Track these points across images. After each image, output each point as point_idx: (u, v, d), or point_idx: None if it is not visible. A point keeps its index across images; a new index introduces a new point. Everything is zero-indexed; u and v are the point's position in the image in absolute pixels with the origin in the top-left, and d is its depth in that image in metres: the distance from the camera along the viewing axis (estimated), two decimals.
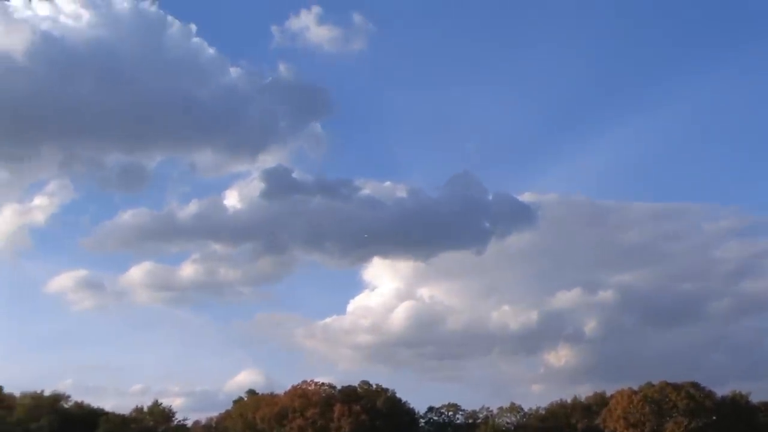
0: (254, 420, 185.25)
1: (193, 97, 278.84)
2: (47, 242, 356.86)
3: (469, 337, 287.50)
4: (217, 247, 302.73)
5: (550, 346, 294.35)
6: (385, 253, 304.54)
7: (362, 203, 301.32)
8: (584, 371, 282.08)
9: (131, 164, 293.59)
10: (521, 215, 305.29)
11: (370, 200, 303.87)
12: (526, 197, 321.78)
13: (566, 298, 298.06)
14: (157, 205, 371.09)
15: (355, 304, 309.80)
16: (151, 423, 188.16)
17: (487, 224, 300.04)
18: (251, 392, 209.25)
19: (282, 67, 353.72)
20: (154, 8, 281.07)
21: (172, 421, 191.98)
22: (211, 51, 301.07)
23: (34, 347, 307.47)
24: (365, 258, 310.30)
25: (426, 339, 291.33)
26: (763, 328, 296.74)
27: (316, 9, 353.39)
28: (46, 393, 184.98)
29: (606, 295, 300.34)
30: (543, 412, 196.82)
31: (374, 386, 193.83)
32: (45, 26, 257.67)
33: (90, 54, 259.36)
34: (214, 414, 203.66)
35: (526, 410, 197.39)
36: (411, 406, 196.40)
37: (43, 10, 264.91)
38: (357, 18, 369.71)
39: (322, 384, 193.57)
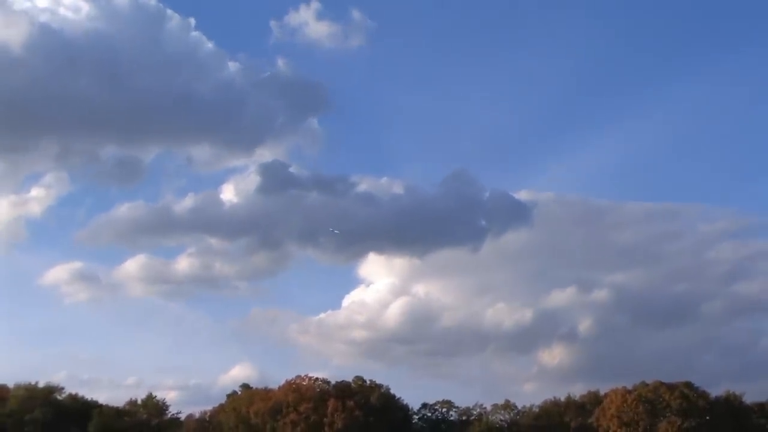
0: (248, 414, 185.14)
1: (190, 91, 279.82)
2: (42, 234, 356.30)
3: (464, 334, 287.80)
4: (213, 242, 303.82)
5: (544, 345, 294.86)
6: (380, 249, 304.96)
7: (358, 199, 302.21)
8: (578, 370, 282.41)
9: (127, 157, 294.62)
10: (517, 213, 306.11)
11: (367, 196, 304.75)
12: (522, 195, 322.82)
13: (561, 296, 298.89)
14: (153, 199, 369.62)
15: (350, 299, 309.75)
16: (145, 416, 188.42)
17: (483, 222, 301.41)
18: (245, 386, 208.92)
19: (280, 63, 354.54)
20: (153, 2, 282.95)
21: (166, 415, 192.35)
22: (210, 45, 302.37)
23: (28, 339, 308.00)
24: (361, 254, 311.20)
25: (420, 336, 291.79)
26: (757, 330, 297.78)
27: (315, 5, 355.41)
28: (40, 385, 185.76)
29: (600, 294, 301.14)
30: (537, 410, 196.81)
31: (368, 382, 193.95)
32: (44, 18, 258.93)
33: (88, 47, 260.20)
34: (208, 408, 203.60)
35: (519, 408, 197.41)
36: (405, 402, 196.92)
37: (42, 2, 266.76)
38: (356, 14, 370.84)
39: (316, 379, 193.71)
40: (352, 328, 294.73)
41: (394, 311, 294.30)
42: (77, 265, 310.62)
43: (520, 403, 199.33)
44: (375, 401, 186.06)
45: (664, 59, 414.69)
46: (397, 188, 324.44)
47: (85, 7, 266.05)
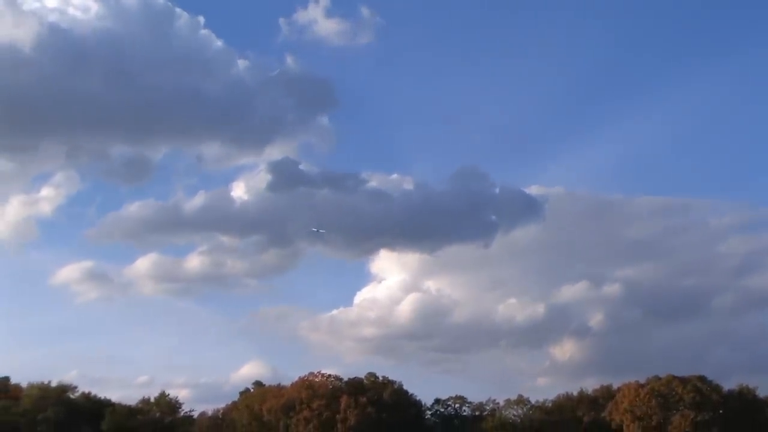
0: (261, 412, 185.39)
1: (200, 89, 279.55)
2: (53, 233, 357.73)
3: (475, 329, 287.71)
4: (224, 239, 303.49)
5: (556, 340, 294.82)
6: (391, 246, 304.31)
7: (369, 196, 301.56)
8: (590, 364, 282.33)
9: (137, 156, 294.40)
10: (528, 209, 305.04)
11: (377, 193, 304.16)
12: (532, 191, 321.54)
13: (572, 291, 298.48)
14: (163, 197, 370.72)
15: (362, 296, 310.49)
16: (158, 414, 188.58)
17: (494, 217, 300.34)
18: (258, 384, 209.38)
19: (289, 60, 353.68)
20: (162, 0, 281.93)
21: (179, 413, 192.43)
22: (219, 43, 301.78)
23: (40, 338, 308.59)
24: (372, 250, 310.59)
25: (432, 331, 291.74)
26: None
27: (323, 2, 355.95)
28: (53, 384, 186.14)
29: (611, 288, 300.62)
30: (549, 405, 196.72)
31: (381, 378, 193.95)
32: (53, 18, 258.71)
33: (97, 46, 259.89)
34: (221, 406, 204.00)
35: (532, 403, 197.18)
36: (417, 398, 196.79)
37: (51, 1, 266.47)
38: (365, 11, 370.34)
39: (329, 376, 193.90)
40: (364, 324, 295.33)
41: (406, 307, 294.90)
42: (88, 264, 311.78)
43: (533, 398, 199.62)
44: (387, 397, 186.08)
45: (673, 54, 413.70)
46: (408, 184, 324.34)
47: (94, 7, 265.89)
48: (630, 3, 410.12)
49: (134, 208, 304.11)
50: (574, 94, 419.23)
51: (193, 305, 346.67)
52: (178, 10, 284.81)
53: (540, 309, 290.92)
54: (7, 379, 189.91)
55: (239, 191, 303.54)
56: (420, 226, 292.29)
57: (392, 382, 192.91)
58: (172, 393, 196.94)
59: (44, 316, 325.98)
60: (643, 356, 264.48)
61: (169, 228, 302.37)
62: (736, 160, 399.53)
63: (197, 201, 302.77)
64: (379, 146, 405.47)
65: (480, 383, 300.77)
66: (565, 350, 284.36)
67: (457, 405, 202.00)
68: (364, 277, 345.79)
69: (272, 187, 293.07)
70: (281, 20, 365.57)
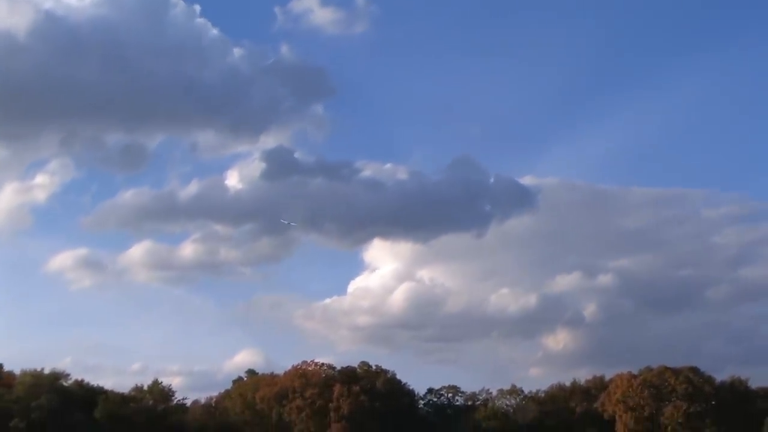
0: (254, 400, 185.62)
1: (195, 77, 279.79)
2: (47, 221, 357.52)
3: (468, 319, 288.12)
4: (218, 227, 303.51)
5: (549, 330, 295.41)
6: (385, 235, 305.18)
7: (363, 185, 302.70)
8: (583, 355, 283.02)
9: (132, 144, 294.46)
10: (522, 198, 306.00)
11: (371, 182, 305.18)
12: (526, 181, 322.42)
13: (565, 281, 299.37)
14: (157, 185, 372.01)
15: (355, 285, 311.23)
16: (151, 402, 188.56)
17: (488, 207, 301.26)
18: (251, 372, 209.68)
19: (285, 49, 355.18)
20: None
21: (172, 401, 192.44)
22: (215, 31, 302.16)
23: (33, 326, 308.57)
24: (365, 239, 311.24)
25: (425, 321, 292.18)
26: (762, 315, 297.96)
27: None
28: (46, 371, 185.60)
29: (605, 279, 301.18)
30: (542, 395, 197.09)
31: (374, 367, 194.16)
32: (48, 5, 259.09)
33: (93, 33, 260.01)
34: (213, 394, 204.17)
35: (525, 393, 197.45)
36: (410, 387, 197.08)
37: None
38: (360, 0, 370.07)
39: (322, 365, 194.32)
40: (357, 313, 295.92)
41: (399, 296, 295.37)
42: (82, 251, 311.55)
43: (526, 388, 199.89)
44: (381, 387, 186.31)
45: (669, 45, 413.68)
46: (402, 174, 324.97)
47: None
48: None
49: (129, 196, 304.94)
50: (570, 84, 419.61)
51: (186, 293, 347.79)
52: None
53: (533, 299, 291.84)
54: (0, 366, 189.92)
55: (233, 180, 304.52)
56: (414, 215, 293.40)
57: (385, 371, 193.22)
58: (166, 381, 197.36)
59: (38, 303, 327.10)
60: (637, 347, 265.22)
61: (164, 216, 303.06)
62: (731, 152, 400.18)
63: (191, 189, 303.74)
64: (373, 135, 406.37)
65: (473, 373, 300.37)
66: (559, 340, 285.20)
67: (450, 395, 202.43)
68: (358, 266, 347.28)
69: (266, 175, 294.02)
70: (277, 9, 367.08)
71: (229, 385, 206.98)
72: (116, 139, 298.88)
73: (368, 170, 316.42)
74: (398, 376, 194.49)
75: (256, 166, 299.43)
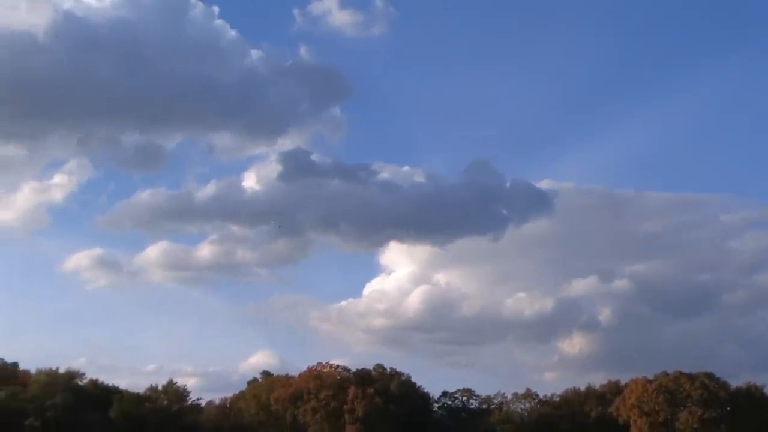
0: (268, 401, 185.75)
1: (213, 79, 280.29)
2: (64, 221, 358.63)
3: (484, 323, 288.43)
4: (235, 229, 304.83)
5: (565, 334, 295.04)
6: (402, 238, 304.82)
7: (380, 187, 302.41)
8: (598, 359, 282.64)
9: (150, 144, 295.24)
10: (538, 203, 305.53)
11: (388, 184, 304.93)
12: (543, 185, 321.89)
13: (581, 286, 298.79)
14: (174, 186, 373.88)
15: (371, 287, 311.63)
16: (165, 402, 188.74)
17: (505, 211, 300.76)
18: (266, 373, 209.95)
19: (303, 51, 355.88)
20: None
21: (186, 401, 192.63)
22: (233, 33, 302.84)
23: (49, 325, 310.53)
24: (382, 242, 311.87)
25: (441, 324, 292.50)
26: None
27: None
28: (61, 370, 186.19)
29: (621, 284, 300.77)
30: (557, 400, 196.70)
31: (389, 370, 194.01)
32: (67, 5, 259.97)
33: (112, 34, 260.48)
34: (228, 395, 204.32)
35: (540, 397, 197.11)
36: (425, 390, 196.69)
37: None
38: (378, 3, 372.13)
39: (337, 366, 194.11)
40: (373, 315, 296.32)
41: (415, 299, 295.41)
42: (98, 251, 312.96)
43: (541, 392, 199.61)
44: (395, 389, 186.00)
45: (686, 49, 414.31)
46: (419, 177, 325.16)
47: None
48: None
49: (145, 197, 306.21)
50: (587, 89, 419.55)
51: (202, 294, 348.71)
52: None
53: (549, 303, 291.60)
54: (15, 365, 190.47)
55: (251, 181, 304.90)
56: (430, 218, 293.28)
57: (400, 374, 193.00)
58: (181, 381, 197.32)
59: (54, 303, 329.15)
60: (652, 352, 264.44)
61: (180, 216, 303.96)
62: (749, 157, 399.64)
63: (209, 190, 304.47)
64: (390, 138, 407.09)
65: (488, 377, 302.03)
66: (574, 345, 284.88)
67: (464, 398, 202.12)
68: (374, 269, 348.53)
69: (283, 177, 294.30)
70: (295, 11, 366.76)
71: (243, 386, 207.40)
72: (134, 139, 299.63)
73: (385, 173, 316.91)
74: (413, 379, 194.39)
75: (273, 168, 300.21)
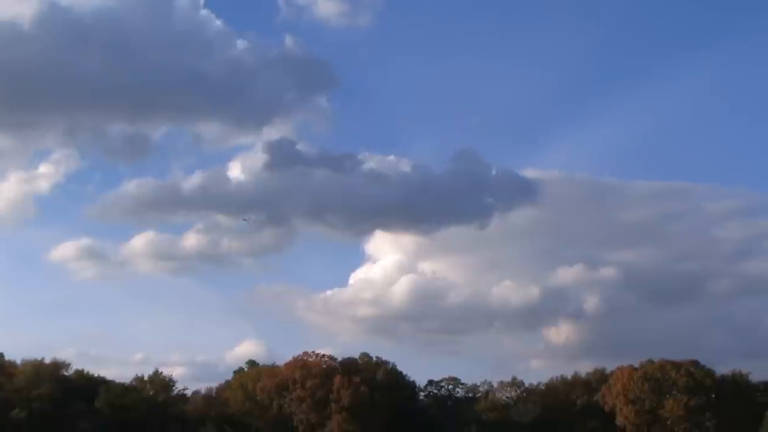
0: (254, 391, 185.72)
1: (199, 69, 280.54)
2: (51, 211, 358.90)
3: (470, 311, 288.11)
4: (221, 218, 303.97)
5: (551, 322, 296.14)
6: (387, 227, 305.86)
7: (366, 177, 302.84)
8: (584, 347, 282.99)
9: (136, 134, 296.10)
10: (524, 191, 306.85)
11: (374, 174, 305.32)
12: (528, 173, 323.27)
13: (568, 274, 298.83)
14: (161, 176, 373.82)
15: (357, 276, 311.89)
16: (152, 392, 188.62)
17: (490, 200, 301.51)
18: (252, 363, 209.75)
19: (288, 41, 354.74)
20: None
21: (173, 391, 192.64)
22: (219, 23, 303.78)
23: (35, 315, 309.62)
24: (368, 231, 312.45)
25: (427, 313, 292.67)
26: (763, 308, 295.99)
27: None
28: (47, 361, 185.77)
29: (607, 272, 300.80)
30: (543, 388, 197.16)
31: (374, 359, 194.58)
32: None
33: (98, 24, 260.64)
34: (215, 384, 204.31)
35: (526, 385, 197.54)
36: (411, 379, 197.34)
37: None
38: None
39: (323, 356, 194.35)
40: (359, 304, 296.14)
41: (401, 288, 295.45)
42: (85, 241, 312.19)
43: (527, 380, 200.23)
44: (381, 378, 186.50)
45: (672, 39, 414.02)
46: (405, 166, 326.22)
47: None
48: None
49: (132, 187, 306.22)
50: (572, 77, 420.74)
51: (189, 284, 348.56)
52: None
53: (535, 291, 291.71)
54: (1, 356, 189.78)
55: (236, 171, 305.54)
56: (416, 207, 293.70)
57: (386, 363, 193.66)
58: (168, 371, 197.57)
59: (41, 293, 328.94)
60: (638, 340, 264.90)
61: (167, 206, 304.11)
62: (734, 145, 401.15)
63: (195, 180, 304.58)
64: (376, 127, 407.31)
65: (474, 365, 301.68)
66: (560, 333, 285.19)
67: (450, 386, 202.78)
68: (360, 258, 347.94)
69: (269, 166, 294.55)
70: (281, 1, 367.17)
71: (230, 376, 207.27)
72: (120, 129, 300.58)
73: (371, 162, 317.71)
74: (399, 368, 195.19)
75: (259, 158, 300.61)
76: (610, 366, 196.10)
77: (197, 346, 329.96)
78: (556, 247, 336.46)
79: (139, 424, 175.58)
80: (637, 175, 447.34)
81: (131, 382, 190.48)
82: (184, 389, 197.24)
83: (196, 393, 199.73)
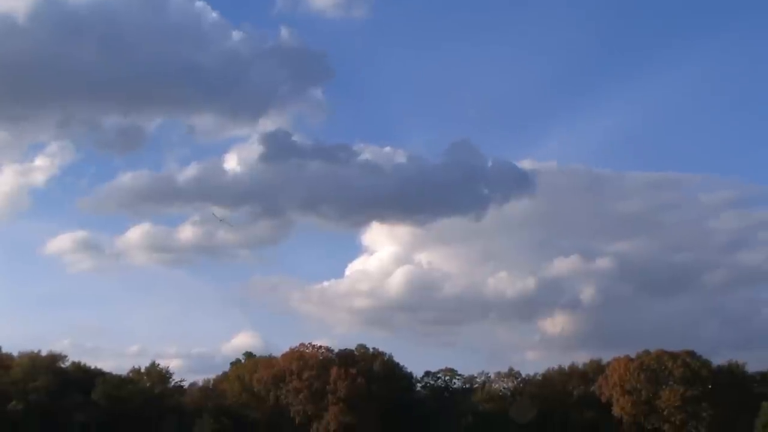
0: (251, 382, 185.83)
1: (194, 61, 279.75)
2: (46, 203, 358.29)
3: (466, 302, 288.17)
4: (216, 210, 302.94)
5: (547, 313, 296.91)
6: (383, 218, 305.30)
7: (361, 168, 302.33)
8: (580, 338, 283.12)
9: (131, 126, 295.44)
10: (520, 182, 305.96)
11: (370, 165, 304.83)
12: (524, 164, 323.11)
13: (563, 265, 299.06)
14: (156, 168, 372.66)
15: (353, 268, 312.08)
16: (149, 384, 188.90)
17: (486, 191, 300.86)
18: (248, 355, 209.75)
19: (284, 32, 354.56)
20: None
21: (169, 383, 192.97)
22: (214, 15, 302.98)
23: (31, 308, 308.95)
24: (364, 222, 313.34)
25: (423, 304, 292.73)
26: (759, 299, 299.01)
27: None
28: (44, 353, 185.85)
29: (603, 263, 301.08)
30: (539, 379, 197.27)
31: (371, 350, 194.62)
32: None
33: (92, 16, 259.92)
34: (211, 376, 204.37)
35: (523, 376, 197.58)
36: (408, 370, 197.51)
37: None
38: None
39: (320, 347, 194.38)
40: (355, 296, 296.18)
41: (397, 280, 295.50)
42: (80, 233, 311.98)
43: (523, 371, 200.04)
44: (378, 369, 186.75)
45: (666, 29, 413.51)
46: (400, 157, 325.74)
47: None
48: None
49: (127, 179, 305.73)
50: (568, 68, 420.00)
51: (184, 275, 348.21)
52: None
53: (531, 282, 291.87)
54: None
55: (232, 162, 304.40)
56: (412, 198, 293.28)
57: (383, 354, 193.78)
58: (164, 363, 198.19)
59: (36, 285, 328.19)
60: (634, 331, 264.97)
61: (162, 198, 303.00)
62: (729, 136, 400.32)
63: (190, 172, 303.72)
64: (372, 119, 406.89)
65: (470, 356, 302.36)
66: (556, 324, 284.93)
67: (447, 377, 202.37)
68: (356, 249, 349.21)
69: (265, 158, 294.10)
70: None
71: (227, 368, 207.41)
72: (115, 121, 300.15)
73: (366, 153, 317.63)
74: (396, 359, 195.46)
75: (254, 149, 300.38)
76: (606, 357, 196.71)
77: (193, 338, 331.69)
78: (552, 238, 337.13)
79: (136, 416, 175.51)
80: (633, 165, 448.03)
81: (128, 374, 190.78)
82: (180, 381, 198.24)
83: (193, 385, 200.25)
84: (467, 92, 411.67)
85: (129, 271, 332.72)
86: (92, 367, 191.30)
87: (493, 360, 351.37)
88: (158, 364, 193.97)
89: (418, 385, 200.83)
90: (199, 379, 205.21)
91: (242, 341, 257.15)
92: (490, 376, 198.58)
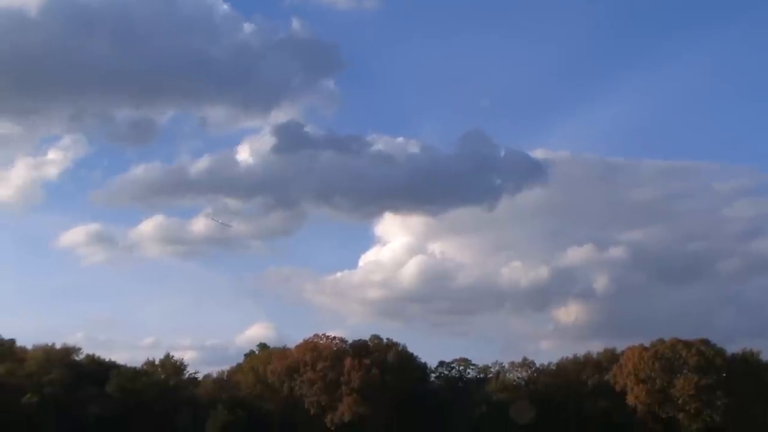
0: (265, 374, 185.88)
1: (206, 53, 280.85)
2: (59, 196, 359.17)
3: (480, 292, 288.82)
4: (229, 202, 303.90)
5: (561, 303, 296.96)
6: (396, 209, 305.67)
7: (374, 159, 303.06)
8: (594, 328, 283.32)
9: (143, 119, 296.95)
10: (532, 172, 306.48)
11: (382, 156, 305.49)
12: (537, 154, 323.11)
13: (577, 254, 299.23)
14: (168, 160, 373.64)
15: (366, 258, 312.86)
16: (163, 376, 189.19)
17: (499, 180, 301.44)
18: (262, 346, 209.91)
19: (296, 24, 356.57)
20: None
21: (184, 375, 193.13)
22: (225, 7, 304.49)
23: (45, 301, 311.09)
24: (376, 213, 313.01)
25: (436, 294, 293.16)
26: None
27: None
28: (58, 346, 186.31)
29: (617, 252, 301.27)
30: (554, 368, 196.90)
31: (385, 340, 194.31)
32: None
33: (103, 9, 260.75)
34: (226, 368, 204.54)
35: (537, 366, 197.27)
36: (422, 360, 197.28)
37: None
38: None
39: (333, 338, 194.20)
40: (368, 286, 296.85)
41: (410, 270, 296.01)
42: (94, 226, 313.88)
43: (538, 361, 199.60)
44: (392, 360, 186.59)
45: (680, 17, 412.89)
46: (413, 147, 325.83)
47: None
48: None
49: (140, 171, 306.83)
50: (581, 57, 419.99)
51: (198, 267, 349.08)
52: None
53: (544, 272, 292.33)
54: (12, 341, 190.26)
55: (244, 154, 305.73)
56: (424, 189, 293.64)
57: (396, 345, 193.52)
58: (178, 355, 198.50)
59: (50, 279, 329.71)
60: (648, 320, 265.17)
61: (175, 190, 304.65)
62: (743, 124, 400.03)
63: (202, 163, 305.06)
64: (384, 109, 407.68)
65: (484, 346, 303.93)
66: (570, 313, 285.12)
67: (461, 367, 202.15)
68: (369, 240, 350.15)
69: (277, 149, 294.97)
70: None
71: (241, 359, 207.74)
72: (127, 114, 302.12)
73: (379, 144, 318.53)
74: (409, 349, 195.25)
75: (267, 141, 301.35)
76: (620, 346, 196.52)
77: (207, 330, 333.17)
78: (565, 227, 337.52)
79: (151, 408, 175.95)
80: (646, 154, 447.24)
81: (142, 366, 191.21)
82: (195, 373, 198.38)
83: (207, 376, 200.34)
84: (479, 82, 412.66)
85: (142, 264, 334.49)
86: (106, 360, 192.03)
87: (507, 350, 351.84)
88: (172, 356, 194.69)
89: (432, 375, 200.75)
90: (214, 370, 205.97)
91: (256, 333, 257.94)
92: (504, 366, 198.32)
